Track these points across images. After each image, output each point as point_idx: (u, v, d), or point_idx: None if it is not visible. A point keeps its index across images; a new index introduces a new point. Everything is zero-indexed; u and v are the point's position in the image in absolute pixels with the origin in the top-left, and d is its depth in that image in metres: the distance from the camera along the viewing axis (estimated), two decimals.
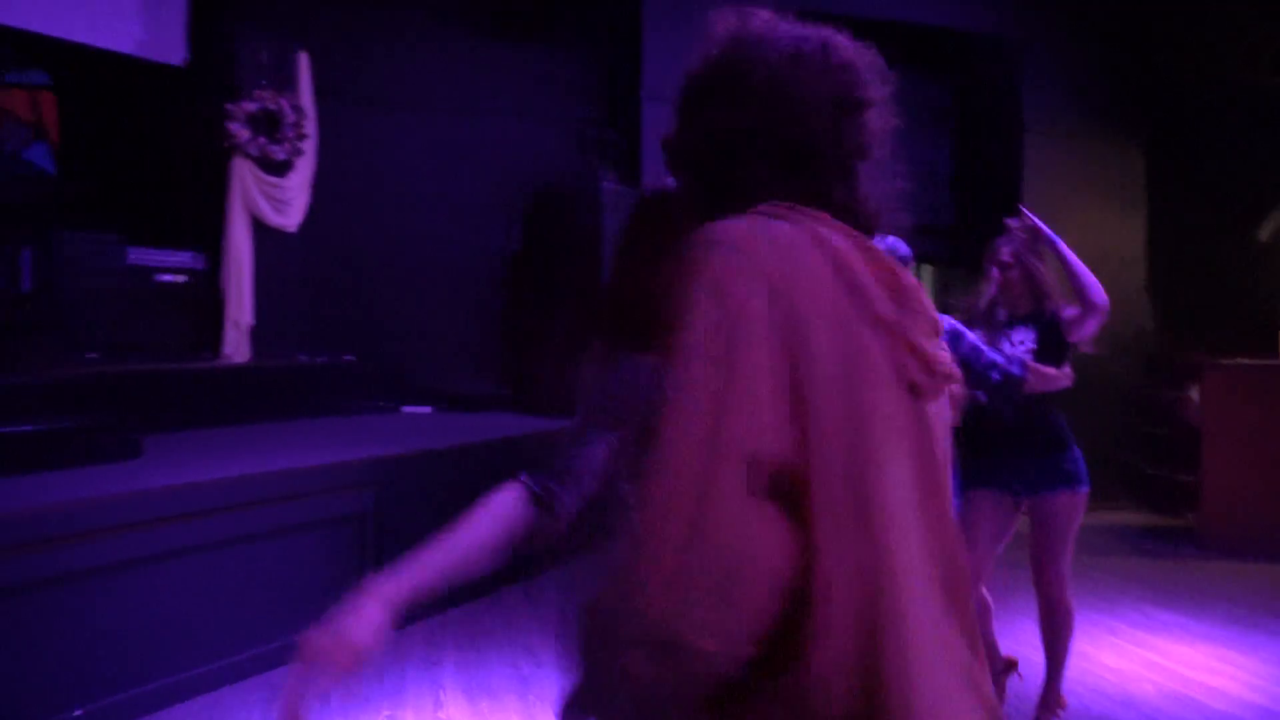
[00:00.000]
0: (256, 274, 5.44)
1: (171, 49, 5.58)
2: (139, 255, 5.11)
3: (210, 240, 5.38)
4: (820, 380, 0.72)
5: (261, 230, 5.48)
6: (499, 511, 1.17)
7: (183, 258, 5.35)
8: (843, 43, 0.88)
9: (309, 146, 5.62)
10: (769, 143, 0.85)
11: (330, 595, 1.09)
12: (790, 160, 0.85)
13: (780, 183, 0.84)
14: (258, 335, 5.53)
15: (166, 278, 5.26)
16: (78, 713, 2.84)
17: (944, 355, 0.82)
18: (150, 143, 5.59)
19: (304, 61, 5.68)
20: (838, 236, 0.80)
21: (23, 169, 5.49)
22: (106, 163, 5.59)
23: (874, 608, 0.71)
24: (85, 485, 3.20)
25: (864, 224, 0.86)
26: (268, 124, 5.38)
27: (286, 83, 5.57)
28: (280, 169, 5.47)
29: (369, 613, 1.02)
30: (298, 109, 5.50)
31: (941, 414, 0.86)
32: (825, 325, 0.75)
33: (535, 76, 6.41)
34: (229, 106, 5.27)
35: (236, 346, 5.45)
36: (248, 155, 5.34)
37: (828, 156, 0.85)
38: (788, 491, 0.70)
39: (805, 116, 0.84)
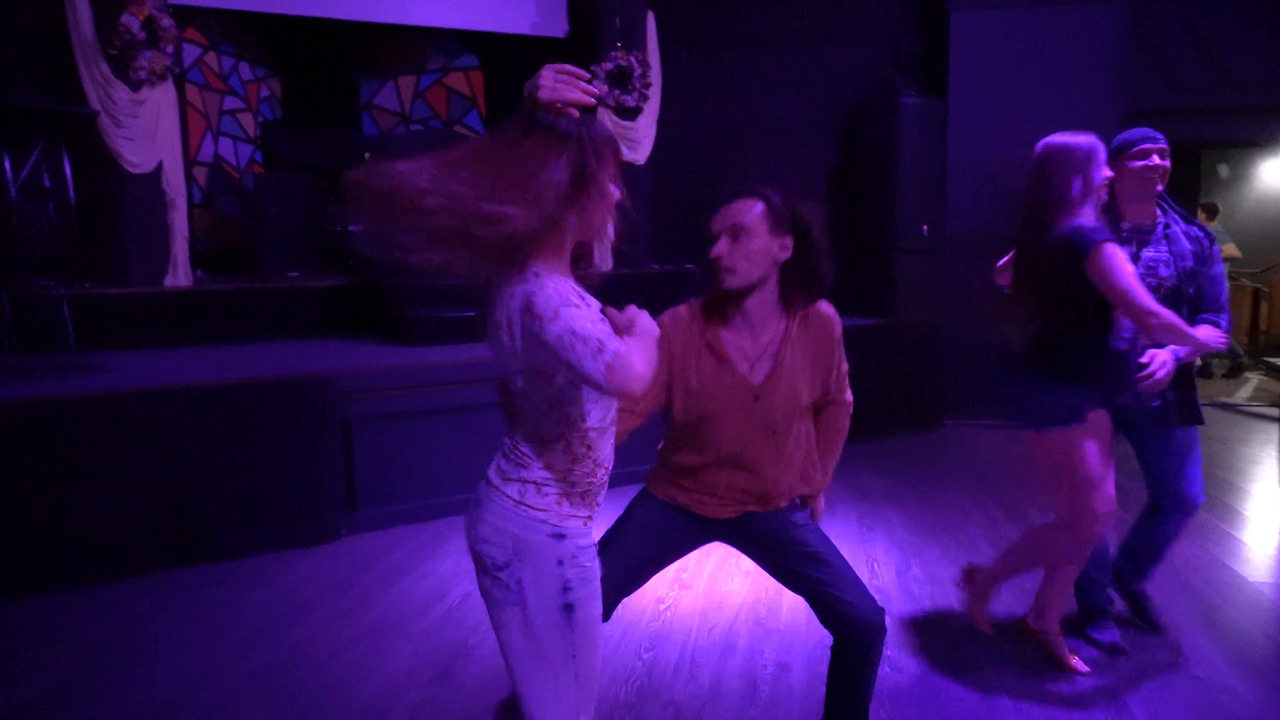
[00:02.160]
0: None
1: (556, 25, 7.14)
2: None
3: None
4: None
5: (621, 167, 6.87)
6: None
7: None
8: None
9: (653, 92, 6.84)
10: None
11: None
12: None
13: None
14: (616, 249, 7.00)
15: None
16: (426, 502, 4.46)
17: None
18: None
19: (651, 21, 6.88)
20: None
21: (462, 133, 7.53)
22: None
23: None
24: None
25: None
26: (620, 78, 6.70)
27: (638, 42, 6.81)
28: (631, 114, 6.79)
29: None
30: (644, 62, 6.73)
31: None
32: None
33: None
34: (593, 67, 6.67)
35: (602, 258, 6.98)
36: (606, 105, 6.73)
37: None
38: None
39: None
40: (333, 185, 6.08)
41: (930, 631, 3.14)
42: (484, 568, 1.59)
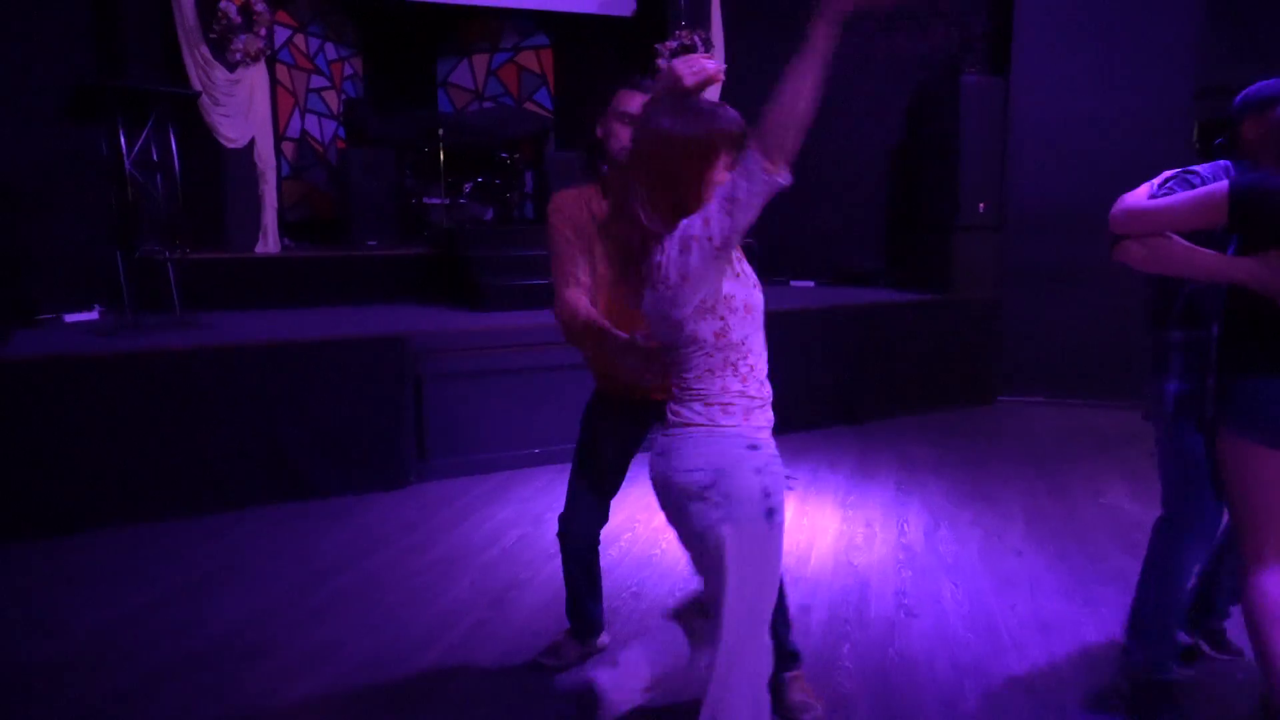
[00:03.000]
0: None
1: (624, 4, 7.36)
2: None
3: None
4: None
5: None
6: None
7: None
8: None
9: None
10: None
11: None
12: None
13: None
14: None
15: None
16: (536, 451, 4.81)
17: None
18: (607, 78, 7.50)
19: (716, 0, 7.04)
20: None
21: (532, 109, 7.84)
22: (583, 99, 7.68)
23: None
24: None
25: None
26: (684, 56, 6.89)
27: (703, 20, 6.99)
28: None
29: None
30: (707, 41, 6.91)
31: None
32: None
33: None
34: (657, 46, 6.89)
35: None
36: None
37: None
38: None
39: None
40: (412, 159, 6.54)
41: (948, 585, 3.35)
42: (689, 494, 1.75)
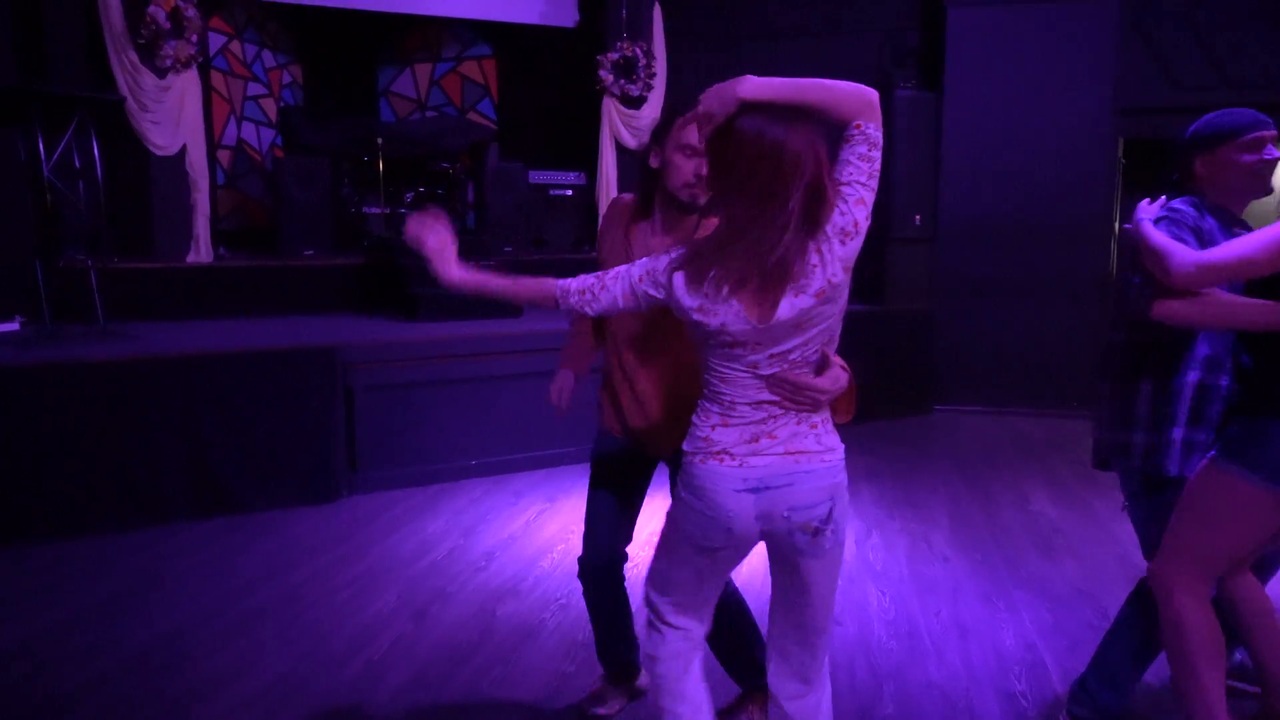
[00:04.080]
0: (619, 186, 7.13)
1: (566, 15, 7.38)
2: (537, 176, 7.08)
3: (588, 162, 7.18)
4: None
5: (623, 151, 7.12)
6: (538, 285, 1.83)
7: (569, 176, 7.24)
8: None
9: (658, 82, 7.07)
10: None
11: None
12: None
13: None
14: None
15: (558, 192, 7.20)
16: (472, 463, 4.78)
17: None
18: (549, 89, 7.51)
19: (657, 13, 7.10)
20: None
21: (475, 119, 7.80)
22: (525, 109, 7.67)
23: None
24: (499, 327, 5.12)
25: None
26: (626, 68, 6.93)
27: (644, 32, 7.04)
28: (636, 103, 7.02)
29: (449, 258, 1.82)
30: (649, 53, 6.96)
31: None
32: None
33: None
34: (599, 57, 6.92)
35: None
36: (612, 95, 6.98)
37: None
38: None
39: None
40: (349, 168, 6.44)
41: (874, 592, 3.39)
42: (811, 531, 1.68)
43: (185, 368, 4.11)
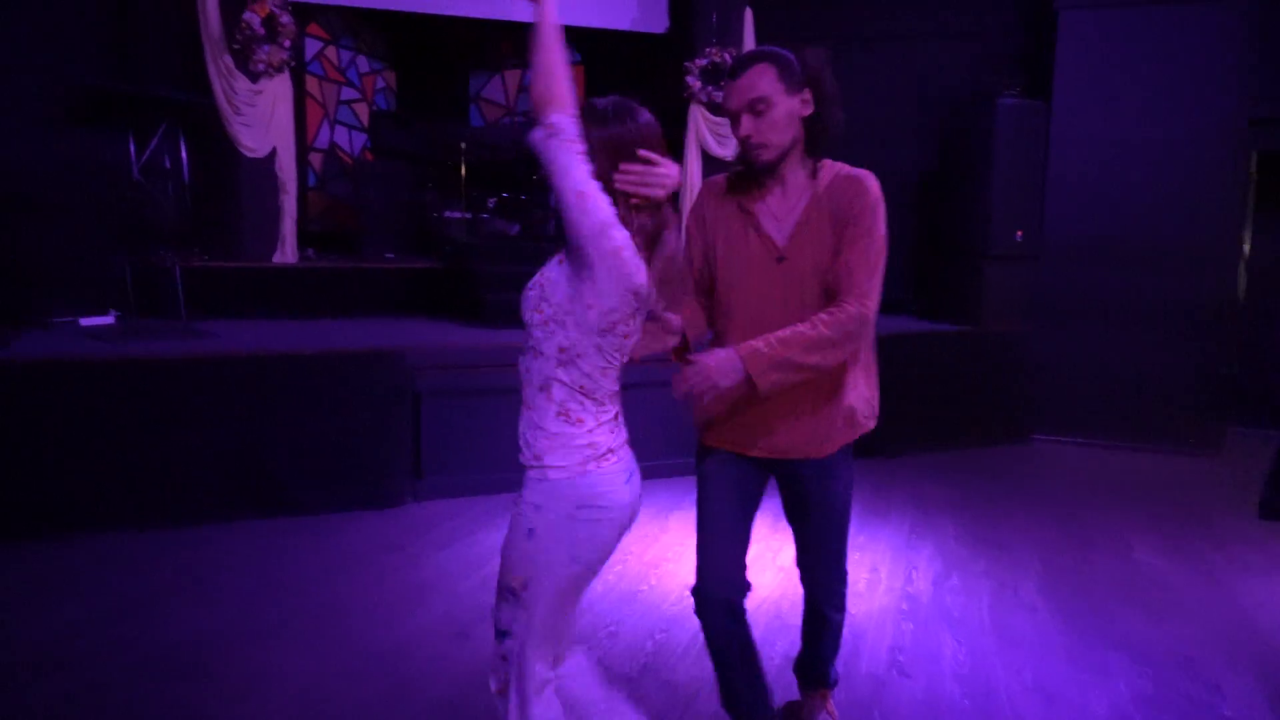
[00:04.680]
0: None
1: (657, 21, 7.26)
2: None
3: None
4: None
5: (709, 159, 6.94)
6: None
7: None
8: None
9: None
10: None
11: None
12: None
13: None
14: None
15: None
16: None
17: None
18: (635, 96, 7.39)
19: (748, 17, 6.90)
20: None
21: None
22: None
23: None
24: None
25: None
26: (713, 74, 6.75)
27: (734, 38, 6.85)
28: (722, 110, 6.83)
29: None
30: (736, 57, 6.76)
31: None
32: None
33: None
34: (686, 64, 6.76)
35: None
36: (699, 101, 6.81)
37: None
38: None
39: None
40: (433, 172, 6.48)
41: (949, 641, 3.10)
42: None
43: (253, 367, 4.13)
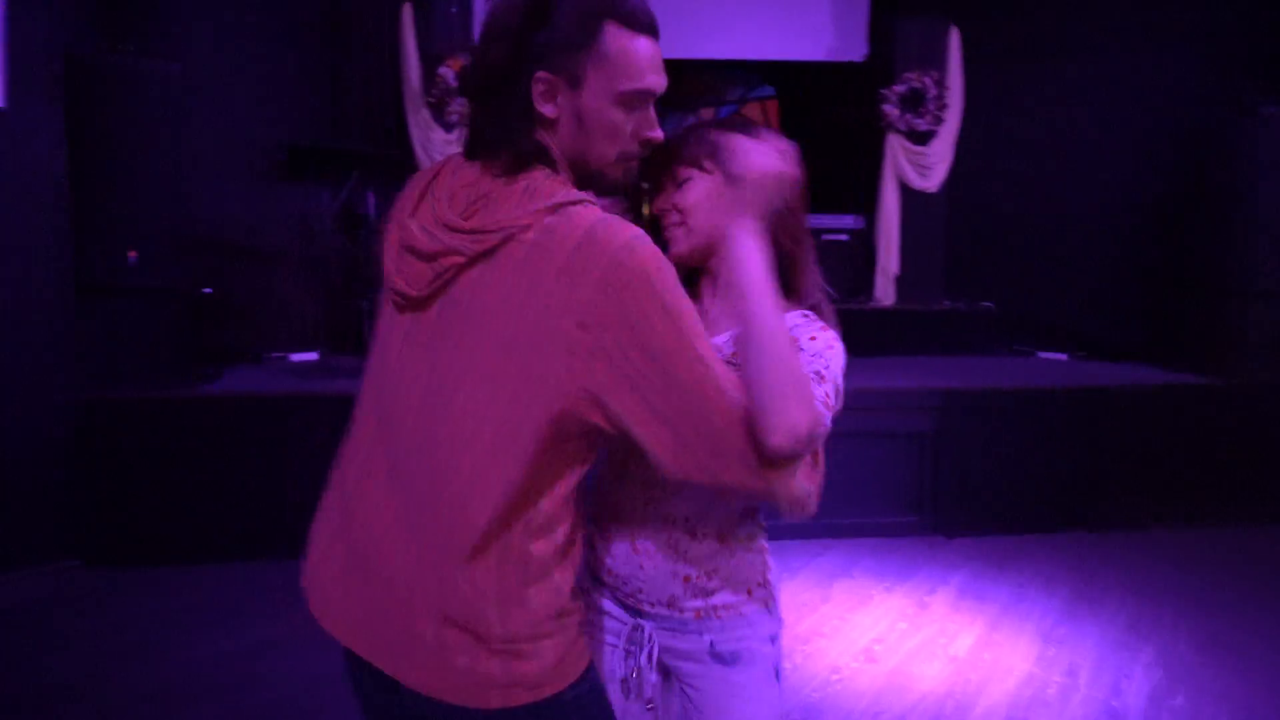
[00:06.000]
0: (903, 230, 6.46)
1: (855, 49, 6.88)
2: (811, 220, 6.62)
3: (867, 204, 6.59)
4: None
5: (908, 193, 6.44)
6: None
7: (845, 220, 6.69)
8: None
9: (951, 115, 6.31)
10: None
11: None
12: None
13: None
14: (903, 282, 6.55)
15: (832, 237, 6.68)
16: None
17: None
18: (827, 127, 7.04)
19: (954, 37, 6.36)
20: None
21: None
22: (803, 150, 7.26)
23: None
24: None
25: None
26: (913, 101, 6.27)
27: (937, 60, 6.34)
28: (923, 138, 6.32)
29: None
30: (939, 83, 6.24)
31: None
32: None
33: None
34: (883, 91, 6.33)
35: (885, 291, 6.58)
36: (897, 130, 6.34)
37: None
38: None
39: None
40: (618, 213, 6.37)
41: None
42: None
43: None
